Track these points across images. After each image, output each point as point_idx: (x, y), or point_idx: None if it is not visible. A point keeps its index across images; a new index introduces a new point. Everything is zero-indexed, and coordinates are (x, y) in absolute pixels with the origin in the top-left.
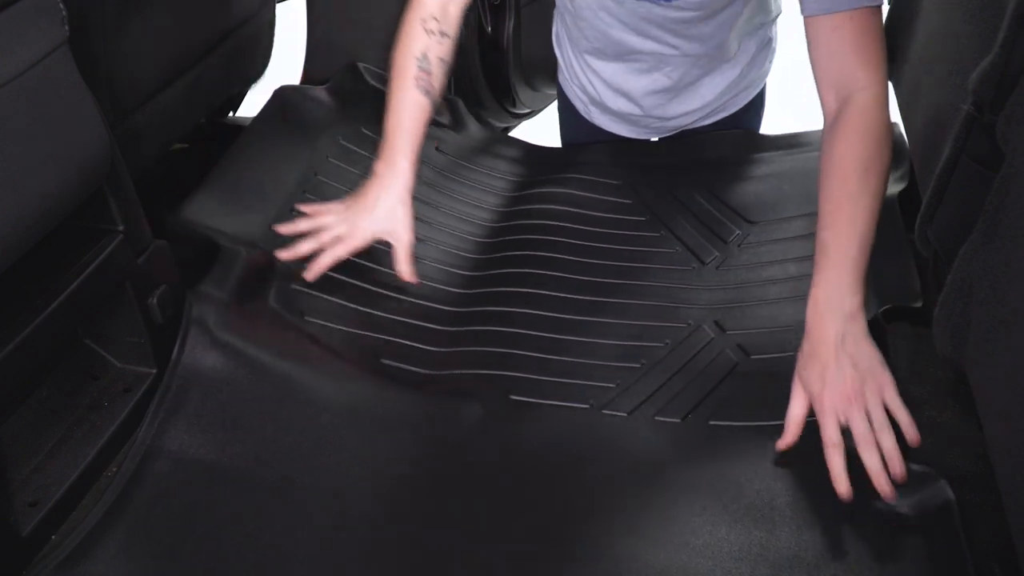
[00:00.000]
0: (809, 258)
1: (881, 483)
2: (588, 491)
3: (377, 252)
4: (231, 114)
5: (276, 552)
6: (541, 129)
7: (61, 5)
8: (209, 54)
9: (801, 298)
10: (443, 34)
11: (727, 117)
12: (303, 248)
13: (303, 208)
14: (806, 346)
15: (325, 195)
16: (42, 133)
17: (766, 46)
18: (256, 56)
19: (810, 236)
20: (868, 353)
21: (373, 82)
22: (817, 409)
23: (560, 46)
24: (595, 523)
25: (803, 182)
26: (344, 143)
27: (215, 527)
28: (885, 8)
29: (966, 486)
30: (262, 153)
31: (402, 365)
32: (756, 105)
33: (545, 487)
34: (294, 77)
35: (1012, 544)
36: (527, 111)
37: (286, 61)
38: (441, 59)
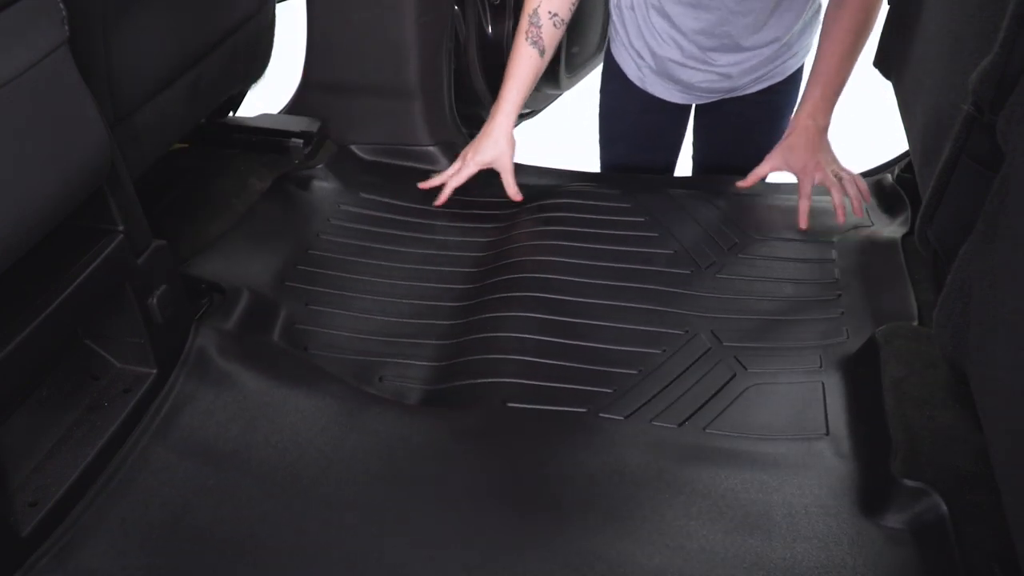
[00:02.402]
0: (805, 282)
1: (840, 213)
2: (584, 494)
3: (383, 269)
4: (231, 114)
5: (272, 552)
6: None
7: (61, 5)
8: (209, 54)
9: (795, 322)
10: None
11: (771, 87)
12: (434, 181)
13: (424, 186)
14: (790, 139)
15: (330, 251)
16: (42, 133)
17: (816, 15)
18: (256, 56)
19: (807, 261)
20: (831, 151)
21: (367, 156)
22: (800, 174)
23: (622, 13)
24: (590, 526)
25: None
26: (345, 207)
27: (210, 525)
28: (885, 8)
29: (966, 486)
30: (266, 222)
31: (403, 384)
32: (796, 79)
33: (541, 491)
34: (294, 77)
35: (1012, 544)
36: (527, 111)
37: (286, 61)
38: (551, 13)
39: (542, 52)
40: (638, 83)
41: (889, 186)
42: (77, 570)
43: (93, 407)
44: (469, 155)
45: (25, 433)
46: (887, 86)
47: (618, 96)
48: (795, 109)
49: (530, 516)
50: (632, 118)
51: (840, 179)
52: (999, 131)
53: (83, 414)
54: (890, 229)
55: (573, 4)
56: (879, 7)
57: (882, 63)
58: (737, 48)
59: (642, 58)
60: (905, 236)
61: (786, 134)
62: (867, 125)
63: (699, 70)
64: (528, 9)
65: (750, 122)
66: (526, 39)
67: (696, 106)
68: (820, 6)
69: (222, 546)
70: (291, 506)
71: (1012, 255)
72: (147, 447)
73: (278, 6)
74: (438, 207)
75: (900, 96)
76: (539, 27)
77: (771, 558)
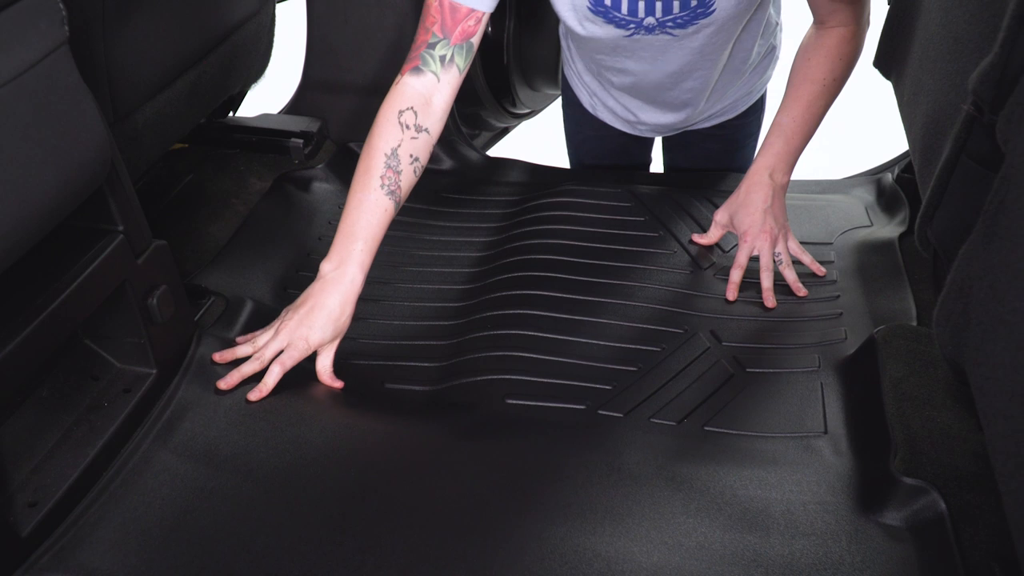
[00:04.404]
0: (804, 282)
1: (768, 297)
2: (582, 490)
3: (383, 270)
4: (231, 114)
5: (270, 552)
6: (542, 130)
7: (61, 5)
8: (209, 54)
9: (794, 322)
10: (419, 128)
11: (728, 120)
12: (247, 369)
13: (238, 340)
14: (740, 197)
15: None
16: (42, 133)
17: (769, 53)
18: (256, 56)
19: (802, 265)
20: (784, 216)
21: None
22: (741, 241)
23: (568, 42)
24: (589, 522)
25: (801, 220)
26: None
27: (211, 527)
28: (885, 8)
29: (966, 486)
30: (266, 228)
31: (405, 387)
32: (754, 112)
33: (540, 487)
34: (294, 77)
35: (1012, 544)
36: (527, 111)
37: (286, 61)
38: (412, 156)
39: (397, 204)
40: (591, 111)
41: (889, 186)
42: (77, 569)
43: (93, 407)
44: (298, 331)
45: (25, 433)
46: (887, 86)
47: (576, 121)
48: (755, 156)
49: (529, 512)
50: (593, 144)
51: (779, 262)
52: (999, 131)
53: (83, 414)
54: (889, 229)
55: (431, 147)
56: (858, 55)
57: (882, 63)
58: (662, 104)
59: (594, 92)
60: (904, 236)
61: (739, 187)
62: (867, 125)
63: (647, 108)
64: (382, 147)
65: (711, 153)
66: (381, 185)
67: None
68: (773, 46)
69: (222, 547)
70: (292, 508)
71: (1012, 255)
72: (148, 449)
73: (278, 6)
74: (225, 388)
75: (900, 96)
76: (398, 172)
77: (769, 554)
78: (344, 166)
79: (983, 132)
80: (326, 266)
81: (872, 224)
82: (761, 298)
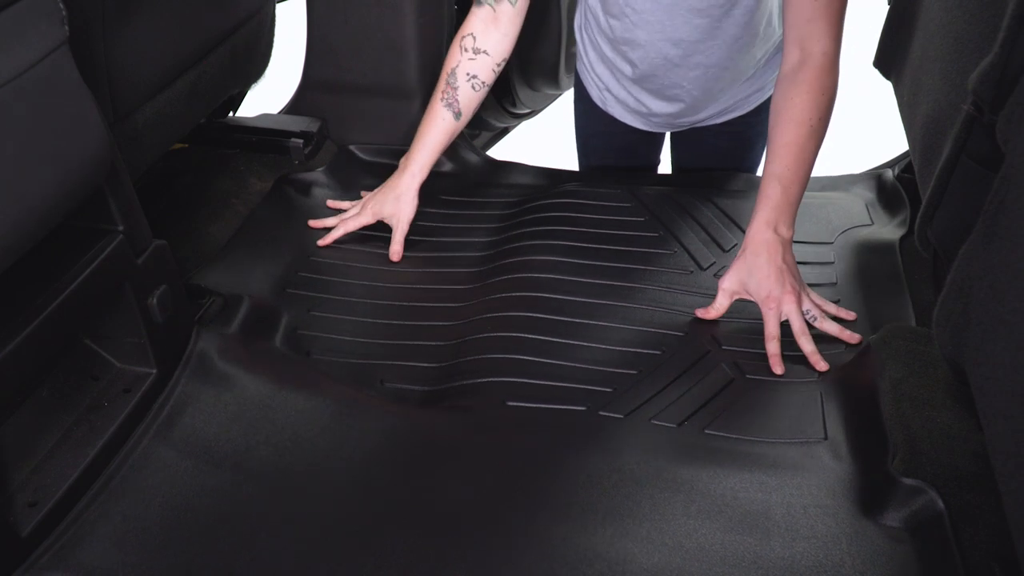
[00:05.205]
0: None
1: (817, 360)
2: (583, 492)
3: (383, 272)
4: (231, 114)
5: (270, 550)
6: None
7: (61, 5)
8: (209, 54)
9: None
10: (477, 51)
11: (739, 116)
12: (328, 221)
13: (329, 203)
14: (748, 259)
15: (331, 256)
16: (42, 133)
17: (781, 50)
18: (256, 56)
19: (806, 263)
20: (798, 270)
21: (366, 156)
22: (763, 306)
23: (582, 34)
24: (589, 524)
25: (801, 218)
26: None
27: (210, 525)
28: (885, 8)
29: (966, 486)
30: (266, 228)
31: (404, 386)
32: (764, 109)
33: (540, 489)
34: (294, 77)
35: (1012, 544)
36: (527, 111)
37: (286, 61)
38: (470, 75)
39: (457, 115)
40: (601, 105)
41: (890, 183)
42: (77, 568)
43: (93, 407)
44: (369, 204)
45: (25, 433)
46: (887, 86)
47: (587, 116)
48: (752, 217)
49: (529, 514)
50: (602, 140)
51: (812, 319)
52: (999, 131)
53: (83, 414)
54: (889, 229)
55: (497, 67)
56: (836, 87)
57: (882, 63)
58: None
59: (604, 83)
60: (904, 236)
61: (742, 249)
62: (867, 125)
63: (657, 99)
64: (447, 67)
65: (720, 150)
66: (441, 100)
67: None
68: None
69: (222, 545)
70: (291, 506)
71: (1012, 255)
72: (148, 447)
73: (278, 6)
74: (323, 245)
75: (900, 96)
76: (455, 88)
77: (770, 557)
78: (344, 169)
79: (983, 132)
80: (401, 162)
81: (873, 223)
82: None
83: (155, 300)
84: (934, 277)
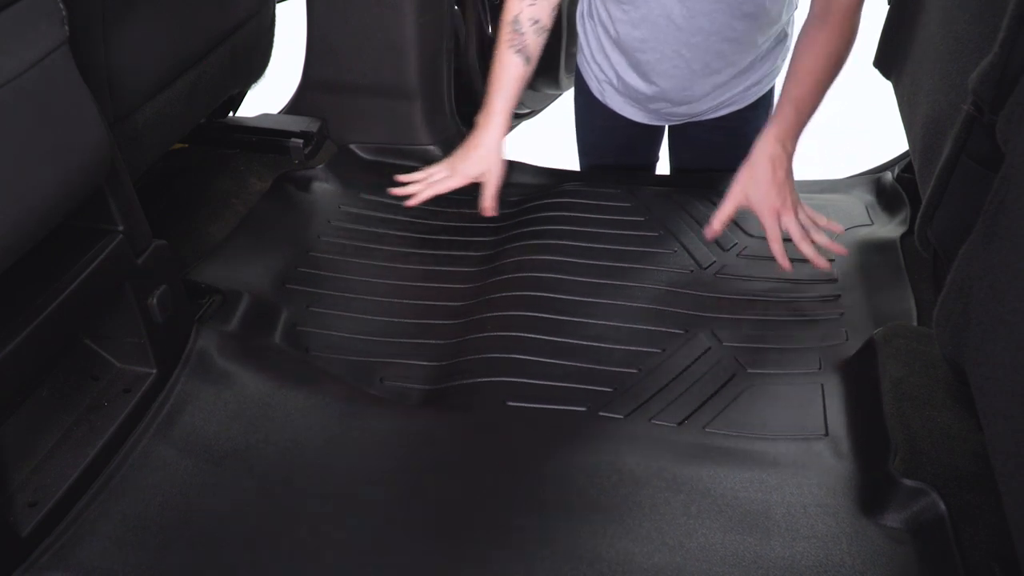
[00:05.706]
0: (804, 282)
1: (820, 262)
2: (583, 492)
3: (383, 270)
4: (231, 114)
5: (272, 551)
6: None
7: (61, 5)
8: (209, 54)
9: (795, 322)
10: None
11: (736, 111)
12: (416, 176)
13: (407, 177)
14: (753, 170)
15: (330, 252)
16: (42, 133)
17: (782, 41)
18: (256, 56)
19: (807, 262)
20: (793, 184)
21: (367, 156)
22: (765, 215)
23: (584, 24)
24: (589, 524)
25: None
26: (345, 208)
27: (210, 524)
28: (885, 8)
29: (966, 486)
30: (266, 224)
31: (404, 384)
32: (764, 103)
33: (541, 489)
34: (294, 77)
35: (1012, 544)
36: (527, 111)
37: (286, 61)
38: (533, 20)
39: (527, 60)
40: (599, 97)
41: (889, 185)
42: (77, 568)
43: (93, 407)
44: (458, 166)
45: (25, 433)
46: (887, 86)
47: (586, 109)
48: (763, 130)
49: (529, 514)
50: (601, 133)
51: (809, 228)
52: (999, 131)
53: (83, 414)
54: (889, 229)
55: (554, 10)
56: (855, 37)
57: (882, 63)
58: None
59: (604, 73)
60: (904, 236)
61: (748, 158)
62: (867, 125)
63: (654, 76)
64: (508, 17)
65: (716, 146)
66: (510, 47)
67: (667, 125)
68: (786, 33)
69: (222, 544)
70: (291, 505)
71: (1012, 255)
72: (148, 445)
73: (278, 6)
74: (411, 206)
75: (900, 96)
76: (522, 34)
77: (770, 556)
78: (344, 166)
79: (983, 132)
80: (478, 118)
81: (872, 223)
82: (761, 295)
83: (155, 300)
84: (934, 277)
